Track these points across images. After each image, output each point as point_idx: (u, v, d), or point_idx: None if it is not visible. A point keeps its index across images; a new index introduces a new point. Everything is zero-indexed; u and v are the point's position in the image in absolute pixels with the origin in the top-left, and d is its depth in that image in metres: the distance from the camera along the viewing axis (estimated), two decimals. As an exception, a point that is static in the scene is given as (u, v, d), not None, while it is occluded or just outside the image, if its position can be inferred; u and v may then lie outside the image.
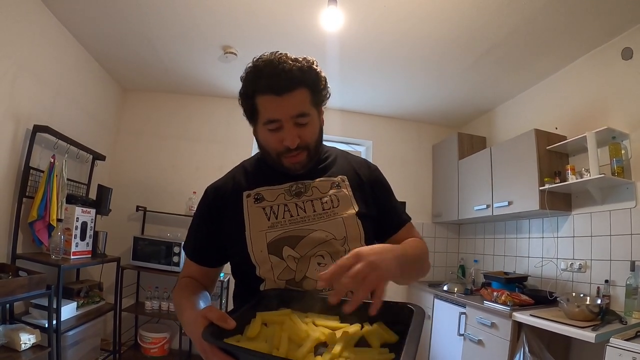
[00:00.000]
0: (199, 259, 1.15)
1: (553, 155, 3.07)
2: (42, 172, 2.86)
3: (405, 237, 1.17)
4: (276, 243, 1.01)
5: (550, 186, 2.88)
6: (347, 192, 1.10)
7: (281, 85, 0.94)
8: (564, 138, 3.00)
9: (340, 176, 1.13)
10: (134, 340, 3.87)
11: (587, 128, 2.72)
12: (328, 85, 1.06)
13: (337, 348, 0.74)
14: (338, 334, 0.80)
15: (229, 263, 1.15)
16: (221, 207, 1.10)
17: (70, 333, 2.90)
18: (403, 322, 0.78)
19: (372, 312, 0.74)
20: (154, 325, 3.87)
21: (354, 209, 1.07)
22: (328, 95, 1.07)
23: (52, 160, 2.84)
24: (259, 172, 1.14)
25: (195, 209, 1.19)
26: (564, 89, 3.26)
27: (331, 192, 1.08)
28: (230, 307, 1.13)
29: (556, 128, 3.20)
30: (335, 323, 0.86)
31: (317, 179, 1.10)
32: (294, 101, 0.96)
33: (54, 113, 3.10)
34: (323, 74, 1.04)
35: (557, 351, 2.64)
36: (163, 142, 4.32)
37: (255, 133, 1.07)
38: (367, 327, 0.83)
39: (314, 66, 1.01)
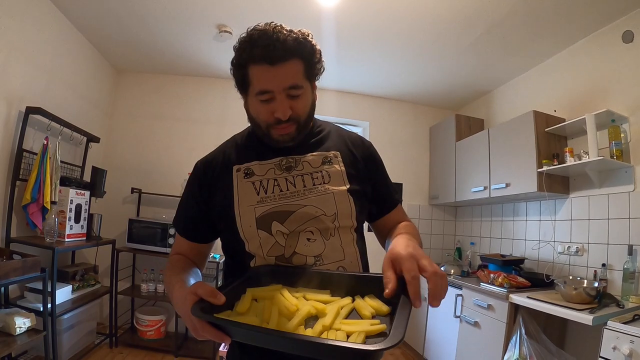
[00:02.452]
0: (189, 235, 1.13)
1: (552, 138, 3.05)
2: (36, 154, 2.82)
3: (396, 218, 1.16)
4: (265, 218, 0.99)
5: (548, 168, 2.86)
6: (339, 168, 1.07)
7: (275, 55, 0.91)
8: (563, 120, 2.97)
9: (333, 152, 1.10)
10: (130, 324, 3.88)
11: (586, 111, 2.69)
12: (322, 60, 1.04)
13: (327, 319, 0.73)
14: (329, 307, 0.79)
15: (220, 241, 1.14)
16: (211, 182, 1.08)
17: (66, 316, 2.90)
18: (396, 294, 0.76)
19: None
20: (150, 308, 3.88)
21: (345, 186, 1.05)
22: (322, 69, 1.05)
23: (45, 142, 2.80)
24: (249, 146, 1.11)
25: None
26: (563, 71, 3.22)
27: (323, 167, 1.06)
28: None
29: (555, 111, 3.17)
30: (326, 297, 0.85)
31: (309, 154, 1.08)
32: (288, 72, 0.94)
33: (46, 95, 3.05)
34: (318, 47, 1.01)
35: (553, 334, 2.65)
36: (158, 123, 4.27)
37: (245, 105, 1.04)
38: (358, 300, 0.82)
39: (309, 38, 0.98)
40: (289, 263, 0.98)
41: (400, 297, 0.73)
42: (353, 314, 0.79)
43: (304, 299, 0.84)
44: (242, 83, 1.00)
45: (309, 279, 0.91)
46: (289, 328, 0.71)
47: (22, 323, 2.36)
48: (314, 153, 1.08)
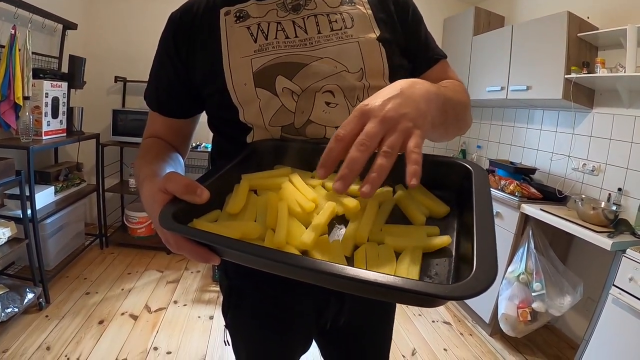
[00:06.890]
0: (164, 108, 0.85)
1: (582, 45, 2.71)
2: (3, 47, 2.49)
3: (439, 77, 0.85)
4: (266, 72, 0.72)
5: (577, 76, 2.56)
6: (364, 10, 0.79)
7: None
8: (596, 28, 2.65)
9: None
10: (120, 222, 3.76)
11: (623, 23, 2.37)
12: None
13: (363, 228, 0.48)
14: (362, 204, 0.54)
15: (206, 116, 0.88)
16: (191, 34, 0.79)
17: (49, 220, 2.74)
18: (452, 186, 0.53)
19: (410, 183, 0.45)
20: (140, 204, 3.67)
21: (374, 33, 0.77)
22: None
23: (13, 32, 2.45)
24: None
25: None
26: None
27: (342, 8, 0.78)
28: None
29: (588, 17, 2.79)
30: (355, 186, 0.58)
31: None
32: None
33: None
34: None
35: (557, 251, 2.53)
36: (143, 3, 3.77)
37: None
38: (401, 192, 0.56)
39: None
40: (302, 136, 0.73)
41: (464, 191, 0.50)
42: (396, 212, 0.55)
43: (323, 188, 0.60)
44: None
45: None
46: (306, 241, 0.47)
47: (1, 234, 2.21)
48: None
